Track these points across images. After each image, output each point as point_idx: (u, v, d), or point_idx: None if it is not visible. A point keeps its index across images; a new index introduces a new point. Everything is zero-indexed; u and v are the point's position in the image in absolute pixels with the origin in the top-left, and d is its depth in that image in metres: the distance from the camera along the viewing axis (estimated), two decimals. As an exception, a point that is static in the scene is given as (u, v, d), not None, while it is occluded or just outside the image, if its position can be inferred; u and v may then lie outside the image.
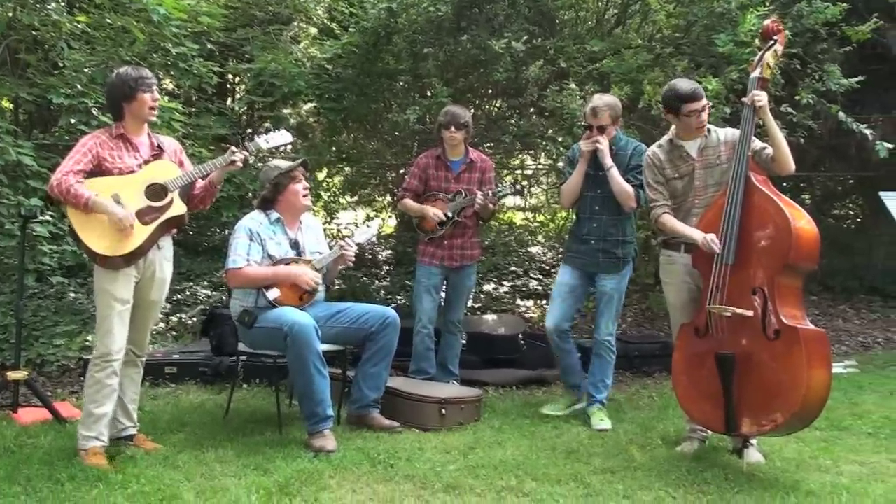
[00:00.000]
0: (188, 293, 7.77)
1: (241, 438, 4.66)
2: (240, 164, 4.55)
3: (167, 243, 4.49)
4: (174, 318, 7.26)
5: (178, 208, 4.36)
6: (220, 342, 5.98)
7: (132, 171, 4.30)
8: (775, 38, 4.48)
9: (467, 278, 5.85)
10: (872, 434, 5.02)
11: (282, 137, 4.86)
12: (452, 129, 5.61)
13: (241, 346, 4.97)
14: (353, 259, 5.07)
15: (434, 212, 5.64)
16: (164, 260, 4.45)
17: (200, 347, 6.29)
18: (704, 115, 4.54)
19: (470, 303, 8.28)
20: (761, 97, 4.28)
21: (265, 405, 5.40)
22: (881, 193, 7.38)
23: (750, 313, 4.14)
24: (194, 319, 7.25)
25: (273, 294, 4.75)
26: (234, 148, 4.57)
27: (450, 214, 5.64)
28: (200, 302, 7.65)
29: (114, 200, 4.17)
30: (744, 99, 4.38)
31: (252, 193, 7.15)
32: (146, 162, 4.35)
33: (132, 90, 4.26)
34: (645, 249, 7.84)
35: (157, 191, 4.30)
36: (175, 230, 4.54)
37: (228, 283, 4.96)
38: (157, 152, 4.42)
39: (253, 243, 4.81)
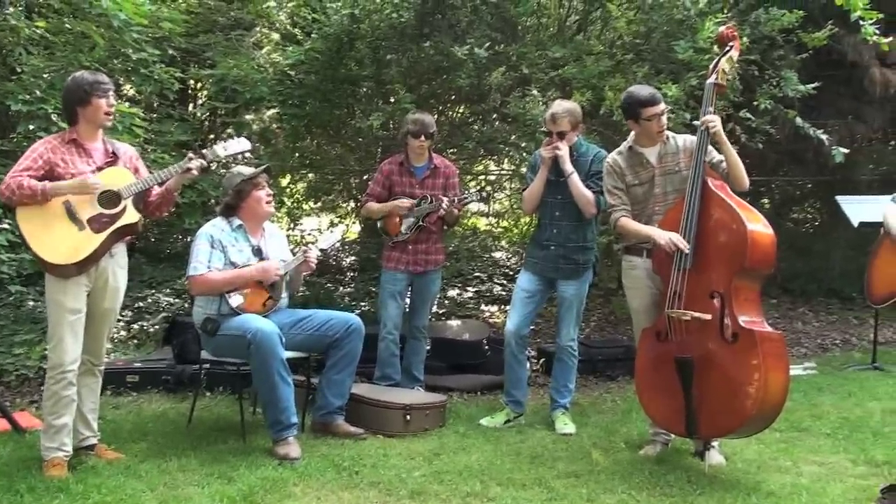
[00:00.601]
0: (150, 301, 7.70)
1: (204, 447, 4.63)
2: (195, 172, 4.48)
3: (120, 251, 4.41)
4: (136, 327, 7.19)
5: (132, 216, 4.28)
6: (183, 350, 5.93)
7: None
8: (731, 44, 4.56)
9: (432, 283, 5.87)
10: (831, 435, 5.10)
11: (240, 145, 4.79)
12: (422, 138, 5.64)
13: (204, 354, 4.94)
14: (316, 264, 5.05)
15: (401, 201, 5.65)
16: (117, 268, 4.38)
17: (163, 356, 6.23)
18: (664, 120, 4.59)
19: (434, 308, 8.29)
20: (714, 123, 4.33)
21: (229, 413, 5.36)
22: (838, 197, 7.54)
23: (708, 317, 4.19)
24: (156, 327, 7.18)
25: (236, 301, 4.73)
26: (191, 154, 4.53)
27: (414, 222, 5.64)
28: (163, 309, 7.58)
29: (65, 209, 4.11)
30: (695, 122, 4.45)
31: (214, 200, 7.11)
32: (100, 168, 4.27)
33: (87, 95, 4.19)
34: (608, 255, 7.90)
35: (110, 198, 4.22)
36: (129, 238, 4.48)
37: (190, 291, 4.93)
38: (112, 159, 4.35)
39: (214, 250, 4.78)
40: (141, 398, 5.72)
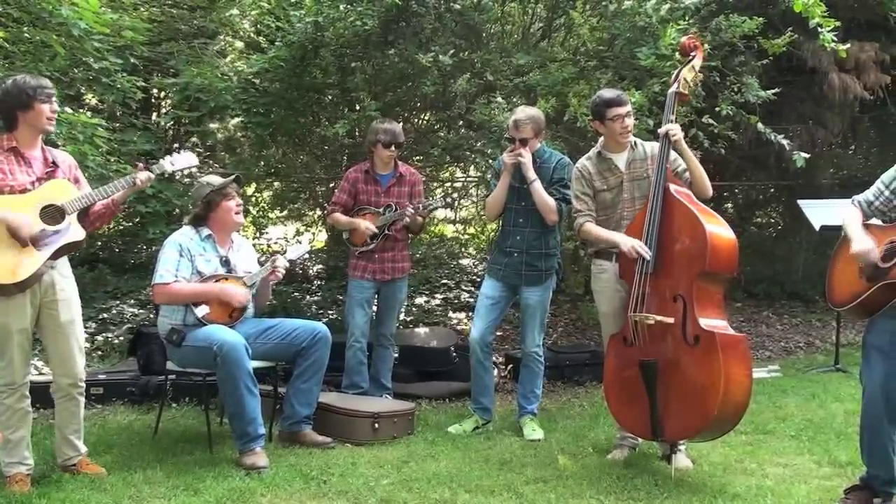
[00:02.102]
0: (115, 312, 7.62)
1: (170, 458, 4.59)
2: (140, 185, 4.38)
3: (62, 261, 4.24)
4: (100, 338, 7.12)
5: (77, 233, 4.12)
6: (148, 361, 5.86)
7: (25, 190, 4.03)
8: (693, 54, 4.63)
9: (399, 291, 5.87)
10: (795, 436, 5.16)
11: (187, 160, 4.73)
12: (392, 148, 5.65)
13: (170, 365, 4.90)
14: (283, 274, 5.03)
15: (366, 225, 5.64)
16: (60, 277, 4.20)
17: (127, 367, 6.15)
18: (629, 121, 4.65)
19: (402, 316, 8.28)
20: (675, 132, 4.40)
21: (195, 424, 5.31)
22: (800, 202, 7.63)
23: (671, 320, 4.24)
24: (121, 338, 7.11)
25: (202, 311, 4.70)
26: (140, 166, 4.45)
27: (379, 228, 5.65)
28: (127, 320, 7.51)
29: (5, 226, 3.92)
30: (659, 130, 4.51)
31: (179, 210, 7.05)
32: (40, 180, 4.09)
33: (30, 99, 4.02)
34: (574, 260, 7.95)
35: (53, 213, 4.04)
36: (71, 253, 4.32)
37: (154, 299, 4.88)
38: (52, 168, 4.17)
39: (182, 259, 4.74)
40: (106, 410, 5.64)
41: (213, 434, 4.85)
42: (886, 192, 3.96)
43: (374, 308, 5.97)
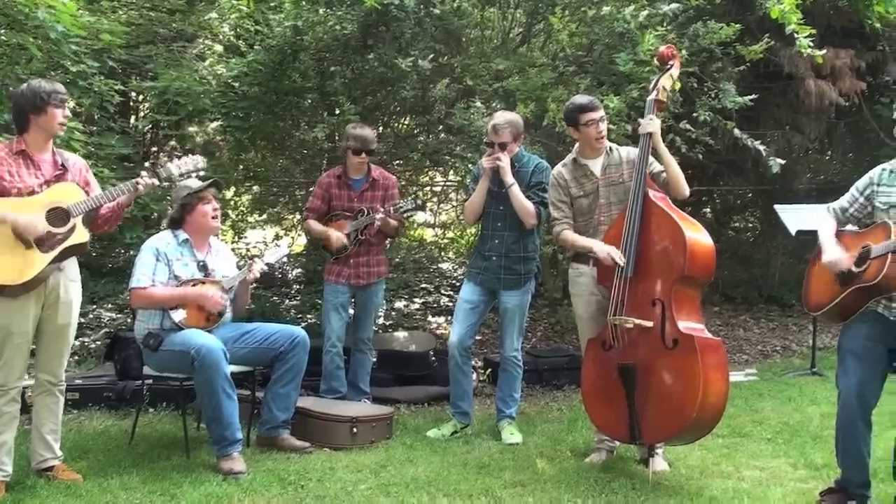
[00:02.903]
0: (92, 316, 7.57)
1: (146, 464, 4.57)
2: (144, 189, 4.43)
3: (71, 264, 4.31)
4: (76, 343, 7.05)
5: (81, 235, 4.18)
6: (125, 366, 5.83)
7: (33, 192, 4.10)
8: (671, 63, 4.67)
9: (375, 295, 5.86)
10: (771, 440, 5.20)
11: (194, 163, 4.72)
12: (363, 155, 5.66)
13: (147, 370, 4.87)
14: (258, 275, 5.01)
15: (337, 236, 5.64)
16: (68, 282, 4.28)
17: (104, 372, 6.12)
18: (602, 126, 4.68)
19: (381, 320, 8.28)
20: (645, 125, 4.45)
21: (172, 429, 5.29)
22: (776, 206, 7.69)
23: (650, 324, 4.26)
24: (98, 343, 7.06)
25: (179, 315, 4.68)
26: (144, 172, 4.46)
27: (352, 233, 5.64)
28: (105, 325, 7.47)
29: (11, 227, 3.98)
30: (638, 128, 4.55)
31: (157, 214, 7.02)
32: (48, 182, 4.16)
33: (43, 103, 4.09)
34: (553, 264, 7.97)
35: (59, 215, 4.10)
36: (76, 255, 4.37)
37: (131, 303, 4.85)
38: (61, 171, 4.24)
39: (159, 263, 4.72)
40: (82, 415, 5.61)
41: (191, 439, 4.83)
42: (861, 199, 4.02)
43: (351, 312, 5.95)
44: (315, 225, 5.78)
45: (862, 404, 3.89)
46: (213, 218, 4.89)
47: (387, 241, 6.01)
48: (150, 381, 5.12)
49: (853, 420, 3.91)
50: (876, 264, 3.77)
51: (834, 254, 3.92)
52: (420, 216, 11.70)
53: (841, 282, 3.92)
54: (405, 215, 5.81)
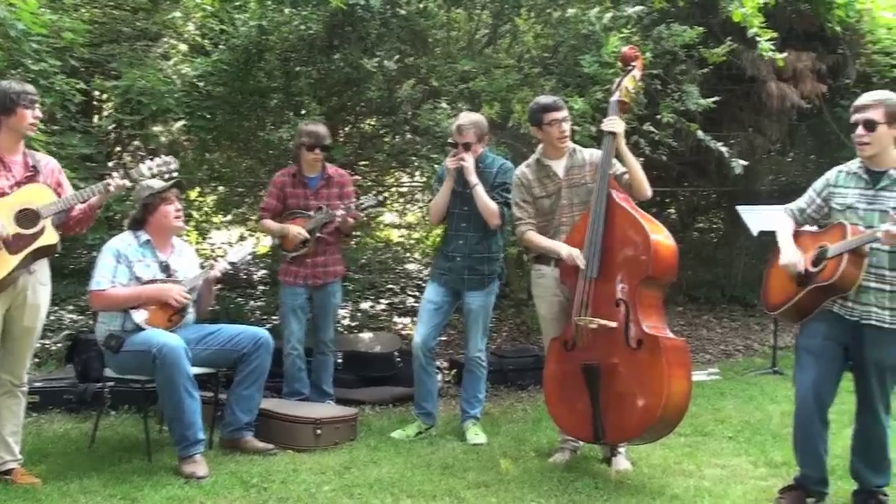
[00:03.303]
0: (53, 318, 7.46)
1: (107, 467, 4.52)
2: (115, 191, 4.40)
3: (41, 266, 4.27)
4: (37, 345, 6.95)
5: (50, 237, 4.14)
6: (86, 368, 5.76)
7: (3, 194, 4.07)
8: (633, 64, 4.71)
9: (332, 296, 5.79)
10: (733, 438, 5.26)
11: (165, 164, 4.69)
12: (317, 150, 5.61)
13: (108, 372, 4.82)
14: (219, 274, 4.97)
15: (297, 230, 5.59)
16: (37, 284, 4.25)
17: (65, 374, 6.06)
18: (566, 127, 4.71)
19: (346, 321, 8.27)
20: (608, 124, 4.48)
21: (134, 432, 5.24)
22: (738, 207, 7.78)
23: (614, 324, 4.29)
24: (59, 345, 6.98)
25: (140, 316, 4.64)
26: (115, 173, 4.43)
27: (310, 231, 5.59)
28: (66, 327, 7.39)
29: None
30: (602, 125, 4.59)
31: (120, 215, 6.94)
32: (19, 184, 4.12)
33: (13, 103, 4.06)
34: (519, 265, 7.98)
35: (29, 217, 4.07)
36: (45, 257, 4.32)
37: (92, 306, 4.81)
38: (32, 173, 4.19)
39: (119, 265, 4.68)
40: (42, 419, 5.54)
41: (153, 442, 4.79)
42: (818, 200, 4.08)
43: (310, 314, 5.91)
44: (271, 223, 5.73)
45: (819, 402, 3.95)
46: (175, 218, 4.85)
47: (351, 241, 5.95)
48: (112, 384, 5.05)
49: (810, 418, 3.97)
50: (832, 264, 3.83)
51: (790, 256, 3.98)
52: (387, 217, 11.71)
53: (798, 282, 3.98)
54: (367, 212, 5.74)
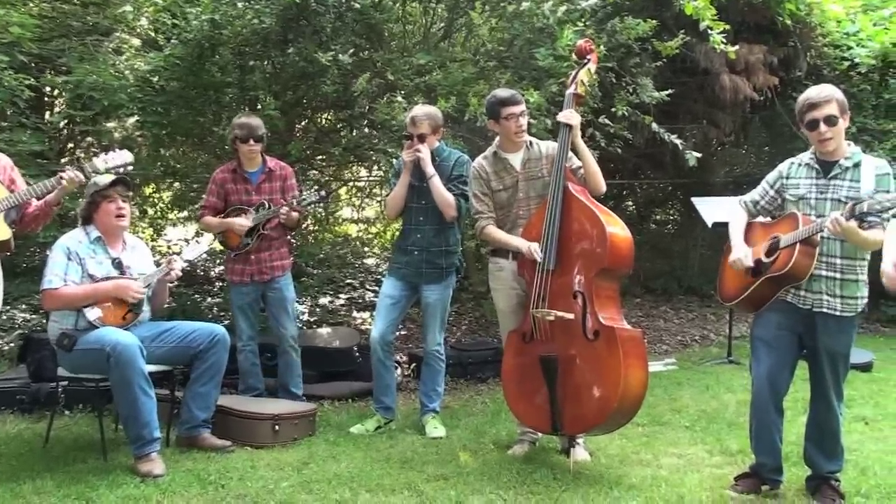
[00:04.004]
0: (5, 317, 7.35)
1: (61, 468, 4.44)
2: (68, 185, 4.33)
3: None
4: (-12, 344, 6.87)
5: (2, 233, 4.08)
6: (39, 368, 5.65)
7: None
8: (588, 56, 4.74)
9: (284, 290, 5.67)
10: (689, 427, 5.32)
11: (121, 158, 4.63)
12: (251, 142, 5.50)
13: (61, 371, 4.74)
14: (180, 274, 4.92)
15: (240, 222, 5.50)
16: None
17: (17, 374, 5.95)
18: (523, 121, 4.72)
19: (305, 316, 8.23)
20: (567, 116, 4.50)
21: (89, 431, 5.16)
22: (693, 199, 7.86)
23: (571, 316, 4.31)
24: (11, 345, 6.86)
25: (94, 314, 4.56)
26: (68, 168, 4.36)
27: (253, 227, 5.50)
28: (18, 326, 7.26)
29: None
30: (557, 116, 4.60)
31: (74, 213, 6.85)
32: None
33: None
34: (478, 258, 8.00)
35: None
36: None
37: (44, 305, 4.72)
38: None
39: (71, 262, 4.60)
40: (-6, 419, 5.46)
41: (108, 441, 4.72)
42: (771, 192, 4.14)
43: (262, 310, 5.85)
44: (212, 220, 5.63)
45: (774, 391, 4.01)
46: (116, 217, 4.73)
47: (295, 235, 5.87)
48: (66, 383, 4.98)
49: (766, 407, 4.03)
50: (785, 254, 3.89)
51: (739, 252, 4.05)
52: (346, 211, 11.67)
53: (752, 272, 4.03)
54: (308, 207, 5.66)
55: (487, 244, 5.11)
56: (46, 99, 9.08)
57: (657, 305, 9.72)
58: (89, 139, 8.77)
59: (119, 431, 4.93)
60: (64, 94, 7.62)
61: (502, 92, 4.84)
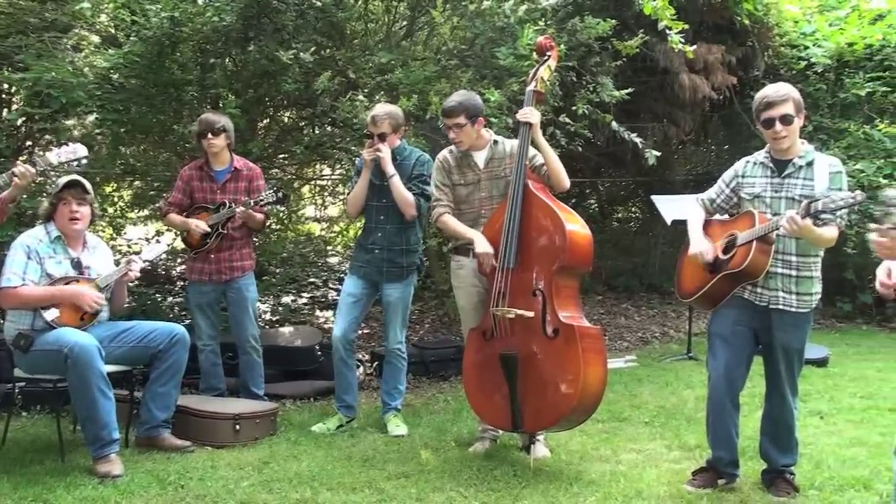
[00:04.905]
0: (-40, 318, 7.25)
1: (18, 469, 4.39)
2: (21, 180, 4.28)
3: None
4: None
5: None
6: (-5, 369, 5.60)
7: None
8: (548, 53, 4.75)
9: (245, 290, 5.63)
10: (649, 423, 5.38)
11: (73, 152, 4.57)
12: (210, 136, 5.46)
13: (18, 372, 4.69)
14: (138, 275, 4.89)
15: (196, 223, 5.46)
16: None
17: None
18: (453, 135, 4.72)
19: (267, 315, 8.19)
20: (526, 114, 4.51)
21: (46, 433, 5.10)
22: (653, 197, 7.94)
23: (531, 314, 4.34)
24: (-33, 346, 6.76)
25: (51, 315, 4.52)
26: (19, 162, 4.30)
27: (212, 227, 5.46)
28: (-26, 327, 7.14)
29: None
30: (517, 115, 4.62)
31: (32, 211, 6.76)
32: None
33: None
34: (441, 256, 8.02)
35: None
36: None
37: (1, 304, 4.66)
38: None
39: (30, 261, 4.55)
40: (-52, 422, 5.37)
41: (66, 442, 4.68)
42: (727, 191, 4.20)
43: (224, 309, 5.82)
44: (175, 217, 5.60)
45: (730, 386, 4.07)
46: (70, 220, 4.67)
47: (261, 235, 5.83)
48: (23, 384, 4.91)
49: (722, 401, 4.09)
50: (742, 251, 3.95)
51: (699, 246, 4.11)
52: (309, 210, 11.63)
53: (710, 269, 4.08)
54: (266, 209, 5.63)
55: (448, 239, 5.11)
56: (3, 96, 8.95)
57: (619, 303, 9.80)
58: (48, 137, 8.65)
59: (77, 432, 4.89)
60: (21, 91, 7.52)
61: (447, 101, 4.82)
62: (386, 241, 5.22)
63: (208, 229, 5.45)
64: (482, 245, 4.50)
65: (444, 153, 4.88)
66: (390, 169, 5.08)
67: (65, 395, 4.72)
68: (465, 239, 4.66)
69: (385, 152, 5.08)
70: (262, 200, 5.44)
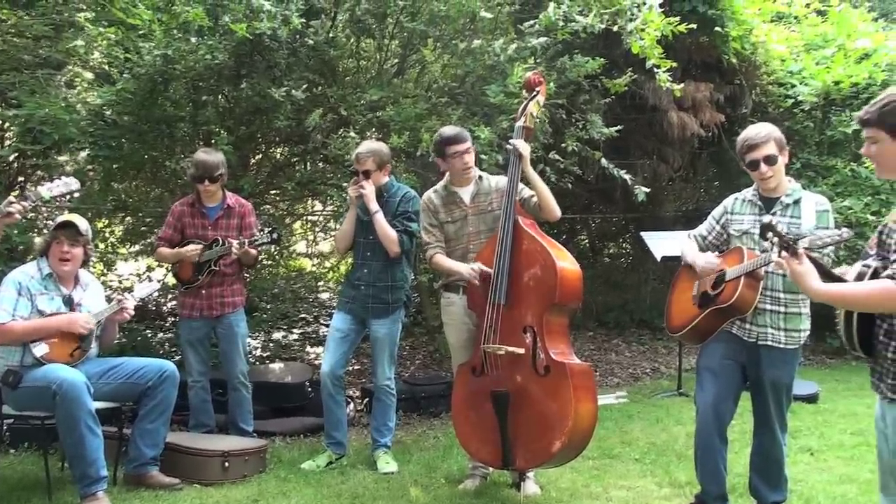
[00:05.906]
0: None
1: (5, 507, 4.38)
2: (16, 216, 4.29)
3: None
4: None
5: None
6: (-17, 405, 5.56)
7: None
8: (537, 89, 4.81)
9: (235, 326, 5.62)
10: (639, 460, 5.36)
11: (66, 186, 4.59)
12: (206, 182, 5.47)
13: (6, 408, 4.67)
14: (132, 314, 4.89)
15: (191, 247, 5.46)
16: None
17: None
18: (469, 158, 4.78)
19: (258, 351, 8.17)
20: (517, 145, 4.55)
21: (34, 470, 5.07)
22: (643, 234, 7.97)
23: (521, 351, 4.34)
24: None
25: (41, 350, 4.51)
26: (11, 199, 4.31)
27: (204, 263, 5.46)
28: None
29: None
30: (506, 145, 4.66)
31: (22, 246, 6.76)
32: None
33: None
34: (432, 293, 8.03)
35: None
36: None
37: (-9, 340, 4.65)
38: None
39: (21, 298, 4.57)
40: (-65, 459, 5.33)
41: (54, 480, 4.66)
42: (717, 227, 4.26)
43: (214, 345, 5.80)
44: (166, 251, 5.61)
45: (718, 420, 4.08)
46: (60, 260, 4.70)
47: (252, 272, 5.81)
48: (10, 421, 4.90)
49: (710, 435, 4.10)
50: (730, 287, 3.98)
51: (704, 259, 4.13)
52: (300, 246, 11.63)
53: (698, 304, 4.11)
54: (260, 248, 5.62)
55: (439, 277, 5.13)
56: (-3, 133, 8.99)
57: (609, 339, 9.79)
58: (40, 173, 8.67)
59: (65, 470, 4.86)
60: (14, 127, 7.55)
61: (448, 130, 4.89)
62: (372, 278, 5.24)
63: (199, 250, 5.44)
64: (467, 268, 4.53)
65: (429, 193, 4.91)
66: (373, 206, 5.11)
67: (53, 432, 4.70)
68: (455, 274, 4.68)
69: (369, 189, 5.12)
70: (256, 241, 5.42)
